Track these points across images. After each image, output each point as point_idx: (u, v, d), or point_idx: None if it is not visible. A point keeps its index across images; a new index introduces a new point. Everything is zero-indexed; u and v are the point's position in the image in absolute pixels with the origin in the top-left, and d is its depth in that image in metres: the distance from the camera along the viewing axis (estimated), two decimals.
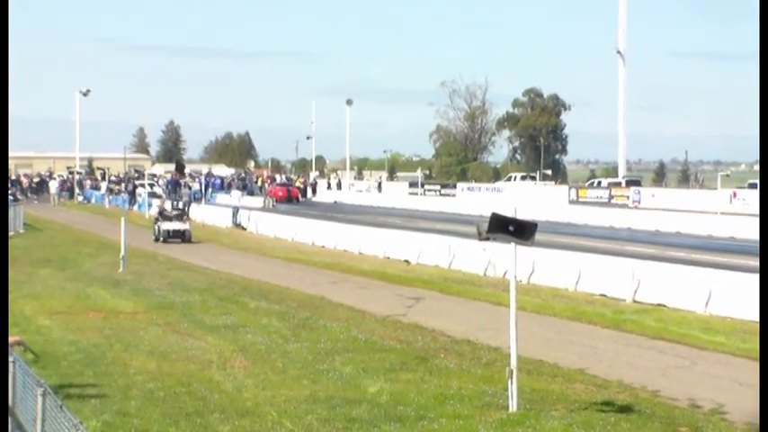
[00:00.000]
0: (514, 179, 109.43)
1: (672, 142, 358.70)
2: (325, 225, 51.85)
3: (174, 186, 75.14)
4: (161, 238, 49.04)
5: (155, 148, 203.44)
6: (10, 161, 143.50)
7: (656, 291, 28.12)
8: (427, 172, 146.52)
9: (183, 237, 49.27)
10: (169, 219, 50.32)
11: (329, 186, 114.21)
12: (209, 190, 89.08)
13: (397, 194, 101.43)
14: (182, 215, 51.95)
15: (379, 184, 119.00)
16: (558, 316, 26.32)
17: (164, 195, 71.92)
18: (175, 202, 70.20)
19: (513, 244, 15.87)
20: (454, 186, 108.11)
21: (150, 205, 72.58)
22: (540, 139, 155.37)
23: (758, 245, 41.12)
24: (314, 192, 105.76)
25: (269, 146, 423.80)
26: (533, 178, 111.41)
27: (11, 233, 50.02)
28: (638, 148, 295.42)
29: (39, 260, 38.82)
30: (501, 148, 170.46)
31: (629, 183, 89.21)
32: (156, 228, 50.06)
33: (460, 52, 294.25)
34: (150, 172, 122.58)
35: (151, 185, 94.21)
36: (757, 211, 55.04)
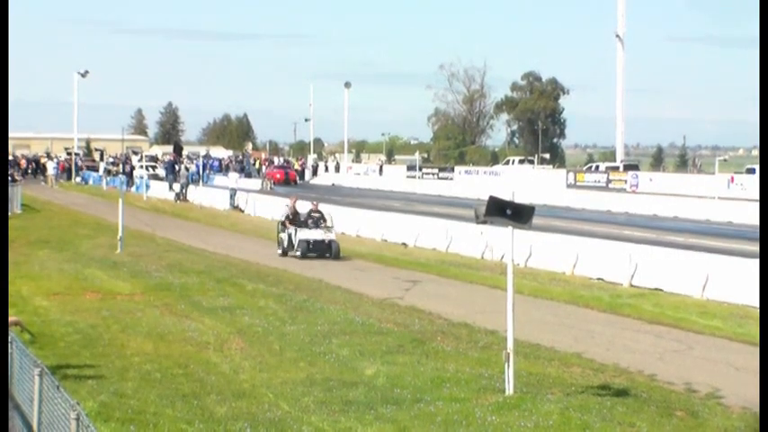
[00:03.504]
0: (512, 163, 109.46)
1: (670, 127, 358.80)
2: (322, 208, 51.75)
3: (171, 168, 74.97)
4: (297, 253, 35.18)
5: (153, 130, 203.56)
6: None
7: (654, 275, 28.15)
8: (425, 155, 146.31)
9: (328, 250, 35.07)
10: (304, 224, 35.86)
11: (326, 169, 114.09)
12: (207, 172, 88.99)
13: (394, 178, 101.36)
14: (322, 219, 36.30)
15: (380, 167, 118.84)
16: (555, 300, 26.34)
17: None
18: (174, 184, 70.48)
19: (510, 227, 15.87)
20: (452, 170, 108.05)
21: (149, 187, 72.64)
22: (539, 122, 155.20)
23: (756, 230, 41.19)
24: (314, 173, 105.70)
25: (267, 128, 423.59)
26: (531, 162, 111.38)
27: (9, 215, 50.00)
28: (636, 132, 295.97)
29: (36, 241, 38.79)
30: (499, 132, 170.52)
31: (627, 167, 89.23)
32: (286, 237, 35.90)
33: (459, 35, 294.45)
34: (148, 153, 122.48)
35: (153, 168, 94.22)
36: (755, 196, 55.18)
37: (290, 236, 35.59)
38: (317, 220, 35.86)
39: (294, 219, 36.02)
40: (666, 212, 55.49)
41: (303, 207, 37.14)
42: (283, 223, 36.23)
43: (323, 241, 35.09)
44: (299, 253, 34.85)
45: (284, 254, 35.40)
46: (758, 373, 11.64)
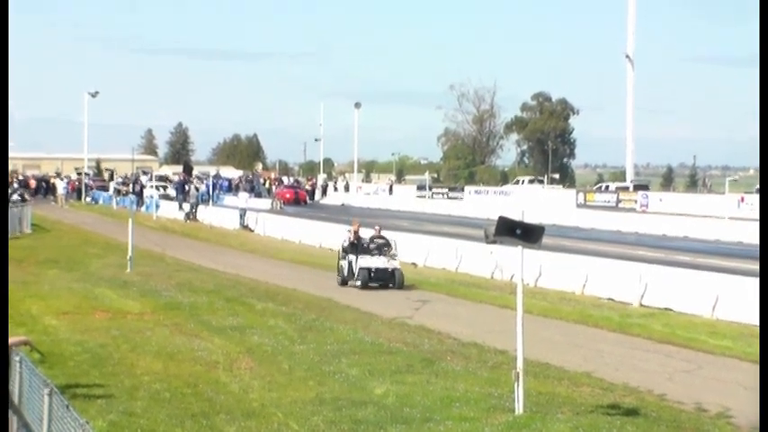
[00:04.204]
0: (522, 183, 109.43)
1: (680, 147, 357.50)
2: (332, 227, 51.82)
3: (181, 188, 75.06)
4: (357, 282, 32.77)
5: (163, 150, 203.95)
6: (18, 162, 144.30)
7: (664, 295, 28.12)
8: (435, 175, 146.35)
9: (392, 280, 32.65)
10: (366, 251, 33.32)
11: (335, 189, 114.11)
12: (217, 192, 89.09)
13: (404, 197, 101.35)
14: (386, 246, 33.69)
15: (390, 186, 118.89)
16: (564, 319, 26.33)
17: (193, 200, 70.86)
18: (184, 204, 70.56)
19: (520, 247, 15.87)
20: (462, 190, 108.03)
21: (158, 206, 72.74)
22: (549, 142, 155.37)
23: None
24: (324, 193, 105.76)
25: (277, 148, 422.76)
26: (541, 182, 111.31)
27: (18, 234, 50.13)
28: (646, 152, 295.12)
29: (46, 260, 38.83)
30: (509, 152, 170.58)
31: (637, 187, 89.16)
32: (346, 265, 33.43)
33: (469, 56, 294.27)
34: (158, 173, 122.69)
35: (164, 188, 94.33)
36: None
37: (350, 263, 33.15)
38: (381, 247, 33.27)
39: (356, 245, 33.32)
40: (676, 232, 55.39)
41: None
42: (344, 249, 33.70)
43: (386, 270, 32.63)
44: (359, 282, 32.54)
45: (344, 283, 33.11)
46: (759, 388, 11.62)
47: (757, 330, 23.45)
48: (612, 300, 29.35)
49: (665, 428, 15.02)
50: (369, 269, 32.57)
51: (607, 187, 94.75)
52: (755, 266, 34.41)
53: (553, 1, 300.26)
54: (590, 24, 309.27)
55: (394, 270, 32.68)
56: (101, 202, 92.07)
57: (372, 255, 32.92)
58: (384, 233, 34.47)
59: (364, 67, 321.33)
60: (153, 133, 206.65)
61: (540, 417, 15.30)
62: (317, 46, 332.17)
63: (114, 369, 18.74)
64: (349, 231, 34.56)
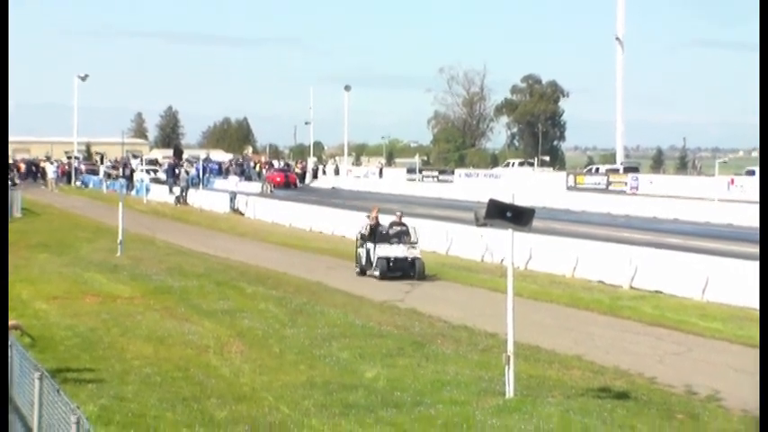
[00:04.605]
0: (512, 165, 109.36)
1: (670, 129, 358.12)
2: (322, 211, 51.85)
3: (172, 171, 74.94)
4: (375, 272, 30.94)
5: (153, 134, 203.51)
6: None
7: (654, 277, 28.16)
8: (425, 158, 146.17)
9: (412, 269, 30.82)
10: (385, 239, 31.40)
11: (324, 172, 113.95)
12: (207, 175, 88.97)
13: (395, 181, 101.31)
14: (405, 233, 31.78)
15: (380, 169, 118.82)
16: (555, 302, 26.35)
17: (184, 182, 70.80)
18: (174, 187, 70.48)
19: (510, 230, 15.87)
20: (452, 172, 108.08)
21: (149, 190, 72.64)
22: (539, 125, 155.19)
23: (756, 231, 41.18)
24: (315, 177, 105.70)
25: (267, 132, 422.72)
26: (531, 165, 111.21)
27: (9, 218, 49.99)
28: (636, 134, 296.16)
29: (36, 245, 38.77)
30: (499, 135, 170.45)
31: (627, 169, 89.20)
32: (364, 253, 31.63)
33: (459, 38, 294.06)
34: (148, 157, 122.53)
35: (155, 171, 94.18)
36: (755, 198, 55.18)
37: (368, 252, 31.38)
38: (400, 235, 31.45)
39: (374, 233, 31.50)
40: (666, 214, 55.44)
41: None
42: (362, 237, 31.93)
43: (405, 259, 30.84)
44: (377, 272, 30.75)
45: (362, 272, 31.42)
46: (758, 375, 11.63)
47: (748, 312, 23.60)
48: (603, 282, 29.38)
49: (656, 411, 15.03)
50: (387, 258, 30.82)
51: (597, 170, 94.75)
52: (745, 249, 34.49)
53: None
54: (580, 7, 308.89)
55: (414, 259, 30.88)
56: (91, 185, 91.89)
57: (391, 243, 31.10)
58: (405, 220, 32.58)
59: (354, 51, 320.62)
60: (143, 117, 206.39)
61: (530, 400, 15.32)
62: (308, 30, 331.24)
63: (105, 353, 18.72)
64: (368, 217, 32.84)
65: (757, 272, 24.45)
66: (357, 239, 32.48)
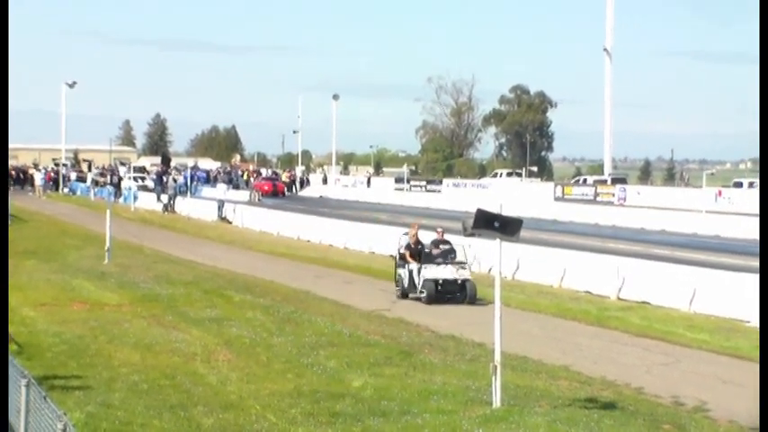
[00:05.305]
0: (500, 176, 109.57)
1: (658, 140, 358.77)
2: (310, 220, 51.86)
3: (159, 179, 74.89)
4: (422, 295, 27.90)
5: (141, 141, 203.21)
6: None
7: (641, 288, 28.20)
8: (413, 168, 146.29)
9: (462, 292, 27.85)
10: (430, 258, 28.59)
11: (309, 182, 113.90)
12: (195, 183, 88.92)
13: (382, 190, 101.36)
14: (451, 252, 29.09)
15: (368, 179, 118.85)
16: (542, 312, 26.38)
17: (171, 191, 70.67)
18: (162, 195, 70.40)
19: (498, 240, 15.88)
20: (440, 182, 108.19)
21: (136, 198, 72.53)
22: (527, 135, 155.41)
23: (743, 243, 41.34)
24: (302, 186, 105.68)
25: (255, 140, 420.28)
26: (519, 175, 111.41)
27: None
28: (624, 145, 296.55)
29: (24, 252, 38.57)
30: (487, 145, 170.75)
31: (615, 180, 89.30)
32: (406, 275, 28.62)
33: (447, 48, 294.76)
34: (136, 164, 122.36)
35: (142, 179, 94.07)
36: (742, 210, 55.33)
37: (410, 273, 28.43)
38: (446, 254, 28.82)
39: (417, 251, 28.85)
40: (654, 226, 55.52)
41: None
42: (402, 257, 29.14)
43: (455, 281, 27.92)
44: (424, 295, 27.77)
45: (404, 295, 28.54)
46: (748, 387, 11.67)
47: (734, 324, 23.69)
48: (590, 293, 29.43)
49: (643, 422, 15.04)
50: (435, 281, 27.85)
51: (585, 180, 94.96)
52: (733, 260, 34.61)
53: None
54: (568, 17, 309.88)
55: (465, 282, 27.95)
56: (78, 193, 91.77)
57: (437, 264, 28.26)
58: (447, 237, 29.77)
59: (343, 60, 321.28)
60: (131, 124, 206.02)
61: (517, 410, 15.31)
62: (296, 39, 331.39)
63: (92, 360, 18.67)
64: (407, 234, 30.21)
65: (745, 284, 24.56)
66: (395, 259, 29.80)
